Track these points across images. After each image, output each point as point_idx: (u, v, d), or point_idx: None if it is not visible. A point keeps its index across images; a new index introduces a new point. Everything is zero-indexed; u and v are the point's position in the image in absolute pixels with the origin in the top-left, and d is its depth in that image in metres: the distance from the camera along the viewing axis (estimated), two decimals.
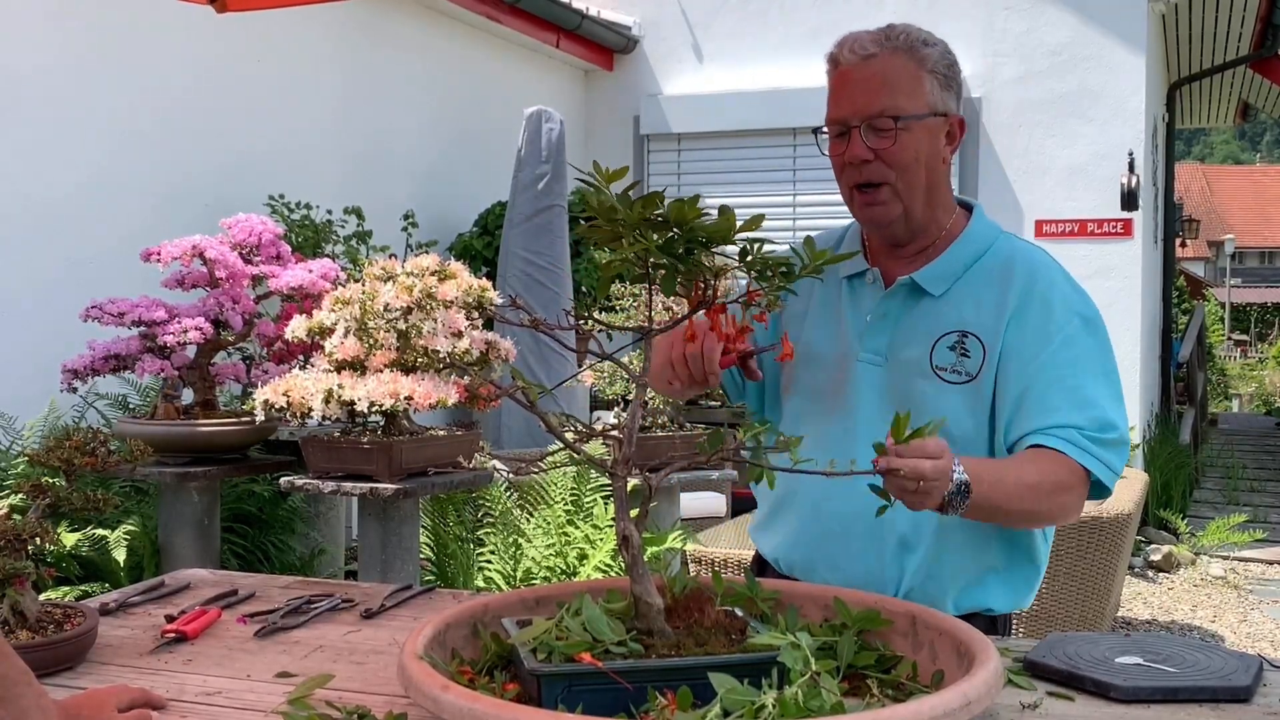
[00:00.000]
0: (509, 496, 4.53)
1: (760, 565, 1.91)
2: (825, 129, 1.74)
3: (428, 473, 3.16)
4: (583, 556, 4.25)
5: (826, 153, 1.74)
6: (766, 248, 1.29)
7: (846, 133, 1.69)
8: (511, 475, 4.43)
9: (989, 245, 1.77)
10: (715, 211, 1.24)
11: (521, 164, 5.85)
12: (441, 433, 3.25)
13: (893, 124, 1.66)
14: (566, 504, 4.50)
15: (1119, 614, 5.50)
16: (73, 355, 3.40)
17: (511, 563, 4.30)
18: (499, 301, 3.05)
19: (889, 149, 1.67)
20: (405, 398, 2.87)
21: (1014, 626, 1.85)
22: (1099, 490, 1.66)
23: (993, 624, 1.75)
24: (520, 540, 4.36)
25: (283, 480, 3.21)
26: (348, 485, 3.05)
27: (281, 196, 5.19)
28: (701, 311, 1.39)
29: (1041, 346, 1.66)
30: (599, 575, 4.09)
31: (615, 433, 1.35)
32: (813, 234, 1.47)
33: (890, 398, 1.71)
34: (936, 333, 1.71)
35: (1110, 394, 1.69)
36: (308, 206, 5.26)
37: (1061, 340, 1.67)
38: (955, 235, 1.78)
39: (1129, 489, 4.66)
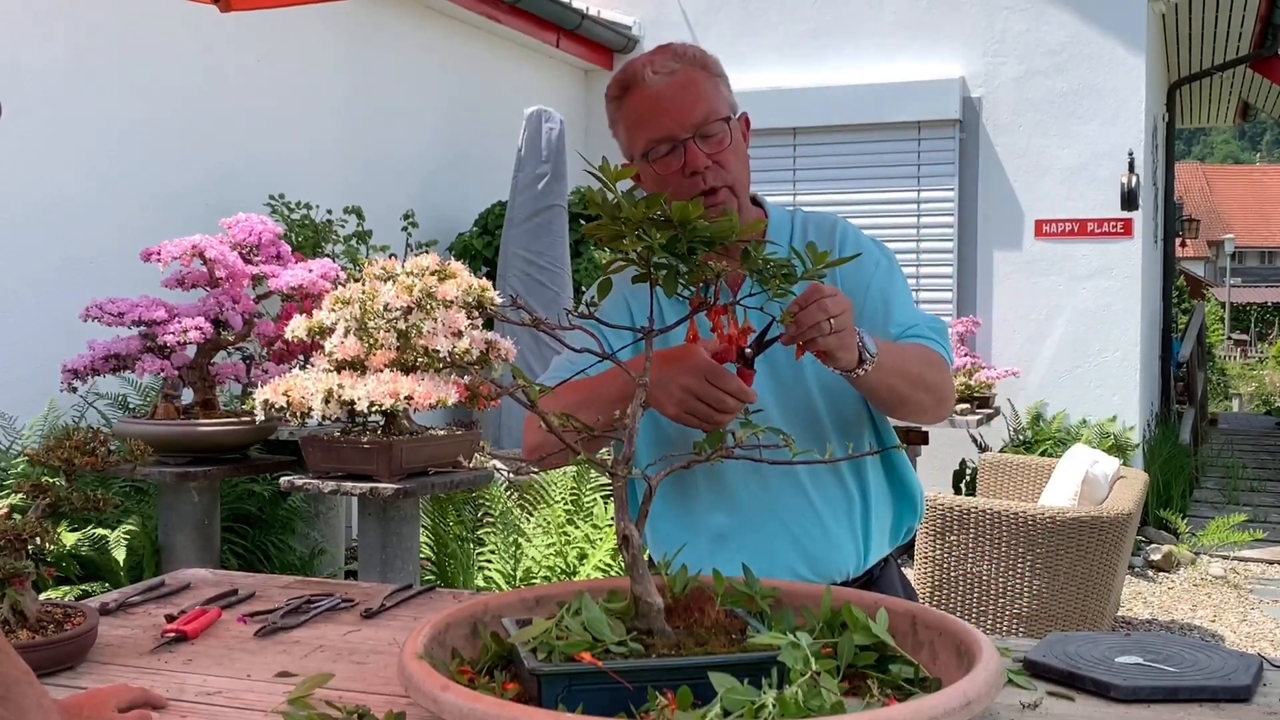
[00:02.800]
0: (509, 496, 4.53)
1: None
2: (647, 154, 1.75)
3: (428, 472, 3.16)
4: (583, 556, 4.26)
5: (658, 173, 1.76)
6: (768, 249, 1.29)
7: (677, 148, 1.73)
8: (511, 475, 4.43)
9: (791, 220, 1.88)
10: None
11: (521, 164, 5.85)
12: (441, 433, 3.25)
13: (723, 126, 1.74)
14: (566, 504, 4.51)
15: (1119, 614, 5.50)
16: (72, 355, 3.40)
17: (511, 562, 4.30)
18: (499, 301, 3.05)
19: (723, 151, 1.74)
20: (405, 397, 2.87)
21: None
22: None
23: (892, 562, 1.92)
24: (520, 540, 4.36)
25: (283, 480, 3.21)
26: (348, 485, 3.05)
27: (281, 196, 5.19)
28: (703, 312, 1.39)
29: (868, 280, 1.81)
30: (599, 575, 4.09)
31: (615, 433, 1.35)
32: None
33: (778, 382, 1.78)
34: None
35: (915, 304, 1.88)
36: (308, 206, 5.26)
37: (879, 272, 1.83)
38: (764, 227, 1.85)
39: (1129, 488, 4.66)
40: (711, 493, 1.81)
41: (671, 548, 1.85)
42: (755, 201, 1.90)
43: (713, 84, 1.77)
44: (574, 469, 4.59)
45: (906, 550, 6.45)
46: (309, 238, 5.11)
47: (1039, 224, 7.42)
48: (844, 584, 1.77)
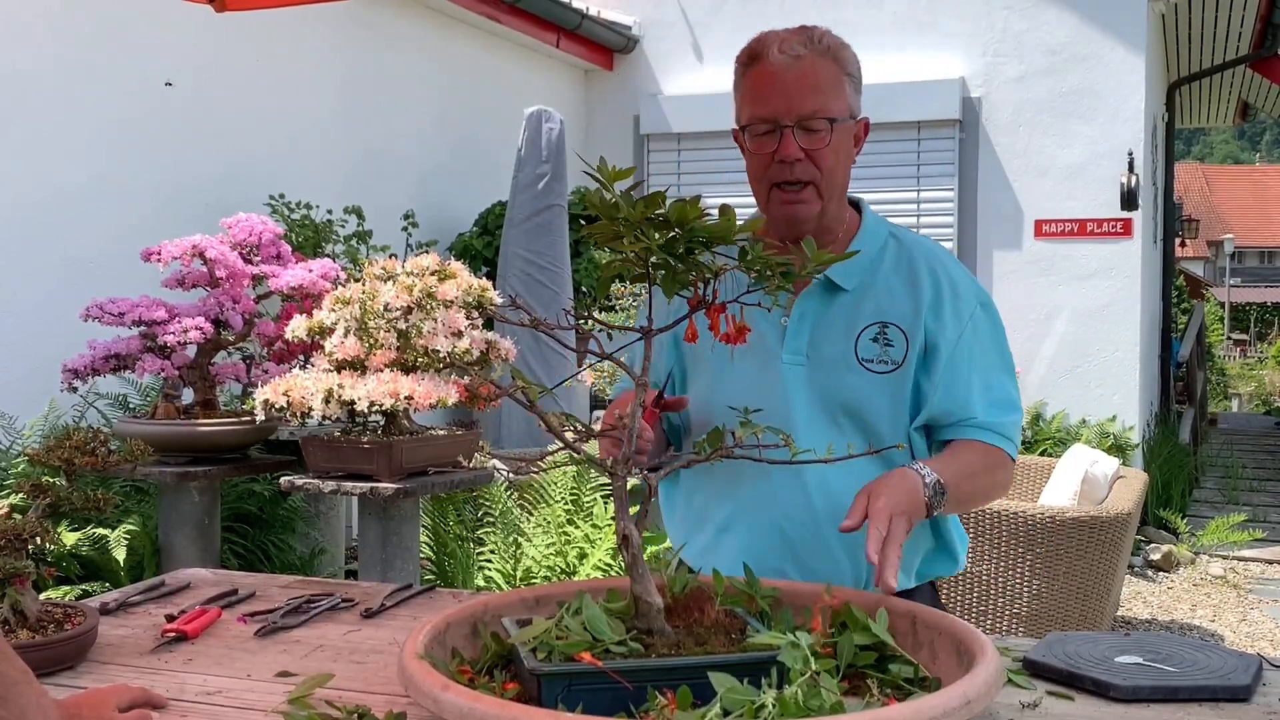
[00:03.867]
0: (509, 496, 4.53)
1: None
2: (748, 129, 1.75)
3: (428, 472, 3.16)
4: (583, 556, 4.26)
5: (751, 150, 1.76)
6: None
7: (775, 131, 1.71)
8: (511, 475, 4.43)
9: (885, 236, 1.84)
10: (716, 211, 1.24)
11: (521, 164, 5.85)
12: (441, 433, 3.25)
13: (827, 125, 1.70)
14: (566, 504, 4.51)
15: (1119, 613, 5.50)
16: (73, 355, 3.40)
17: (511, 562, 4.30)
18: (499, 301, 3.05)
19: (820, 150, 1.71)
20: (405, 397, 2.87)
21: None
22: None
23: (935, 589, 1.90)
24: (520, 540, 4.36)
25: (283, 480, 3.21)
26: (348, 485, 3.05)
27: (282, 196, 5.19)
28: (702, 311, 1.39)
29: (957, 333, 1.77)
30: (599, 575, 4.09)
31: (615, 432, 1.35)
32: None
33: (818, 395, 1.75)
34: (857, 326, 1.75)
35: (1009, 373, 1.84)
36: (308, 206, 5.26)
37: (971, 328, 1.78)
38: (854, 231, 1.83)
39: (1128, 488, 4.66)
40: (719, 482, 1.79)
41: (684, 534, 1.89)
42: (854, 205, 1.87)
43: (837, 80, 1.73)
44: (574, 469, 4.59)
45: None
46: (309, 238, 5.11)
47: (1039, 224, 7.42)
48: None
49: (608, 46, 8.03)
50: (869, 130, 1.81)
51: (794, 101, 1.69)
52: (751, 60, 1.76)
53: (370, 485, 3.01)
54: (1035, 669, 1.40)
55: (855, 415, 1.74)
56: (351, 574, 4.14)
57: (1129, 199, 7.10)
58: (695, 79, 7.90)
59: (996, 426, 1.76)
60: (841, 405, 1.75)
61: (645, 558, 1.31)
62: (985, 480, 1.74)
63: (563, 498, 4.53)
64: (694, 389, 1.85)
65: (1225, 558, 6.78)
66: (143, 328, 3.36)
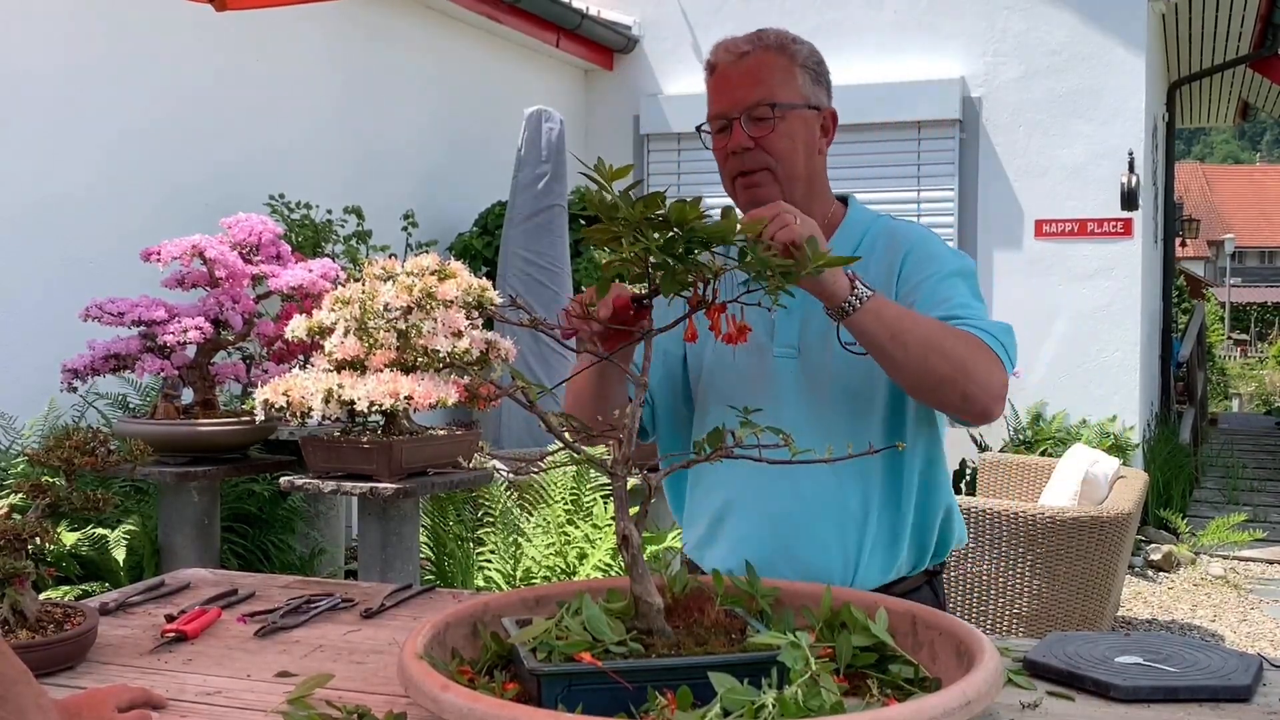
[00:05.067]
0: (509, 496, 4.53)
1: None
2: (708, 127, 1.82)
3: (428, 472, 3.16)
4: (583, 556, 4.26)
5: (713, 148, 1.82)
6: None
7: (728, 126, 1.78)
8: (511, 475, 4.43)
9: (869, 226, 1.85)
10: (717, 212, 1.24)
11: (521, 164, 5.85)
12: (441, 433, 3.25)
13: (770, 111, 1.75)
14: (566, 504, 4.50)
15: (1119, 613, 5.50)
16: (73, 355, 3.40)
17: (511, 562, 4.30)
18: (499, 301, 3.05)
19: (768, 136, 1.75)
20: (405, 397, 2.87)
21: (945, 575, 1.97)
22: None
23: (931, 577, 1.89)
24: (520, 540, 4.36)
25: (283, 480, 3.21)
26: (348, 485, 3.05)
27: (281, 196, 5.19)
28: (702, 311, 1.38)
29: (924, 276, 1.73)
30: (599, 575, 4.09)
31: (613, 432, 1.35)
32: None
33: (810, 385, 1.76)
34: None
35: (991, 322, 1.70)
36: (308, 206, 5.26)
37: (939, 275, 1.73)
38: (837, 224, 1.85)
39: (1129, 488, 4.66)
40: (715, 474, 1.77)
41: (686, 526, 1.91)
42: (842, 200, 1.89)
43: (785, 70, 1.78)
44: (574, 469, 4.59)
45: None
46: (309, 238, 5.11)
47: (1039, 224, 7.42)
48: None
49: (608, 46, 8.03)
50: (837, 121, 1.84)
51: (739, 94, 1.77)
52: (708, 69, 1.85)
53: (370, 485, 3.01)
54: (1035, 669, 1.40)
55: (849, 401, 1.75)
56: (351, 574, 4.14)
57: (1129, 199, 7.10)
58: (695, 79, 7.86)
59: (965, 315, 1.67)
60: (835, 393, 1.76)
61: (645, 558, 1.31)
62: (935, 330, 1.60)
63: (563, 498, 4.52)
64: (704, 370, 1.88)
65: (1226, 558, 6.78)
66: (142, 328, 3.36)
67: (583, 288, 6.34)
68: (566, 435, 1.34)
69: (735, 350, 1.73)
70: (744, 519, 1.80)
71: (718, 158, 1.81)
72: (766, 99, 1.75)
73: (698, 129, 1.84)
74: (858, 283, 1.54)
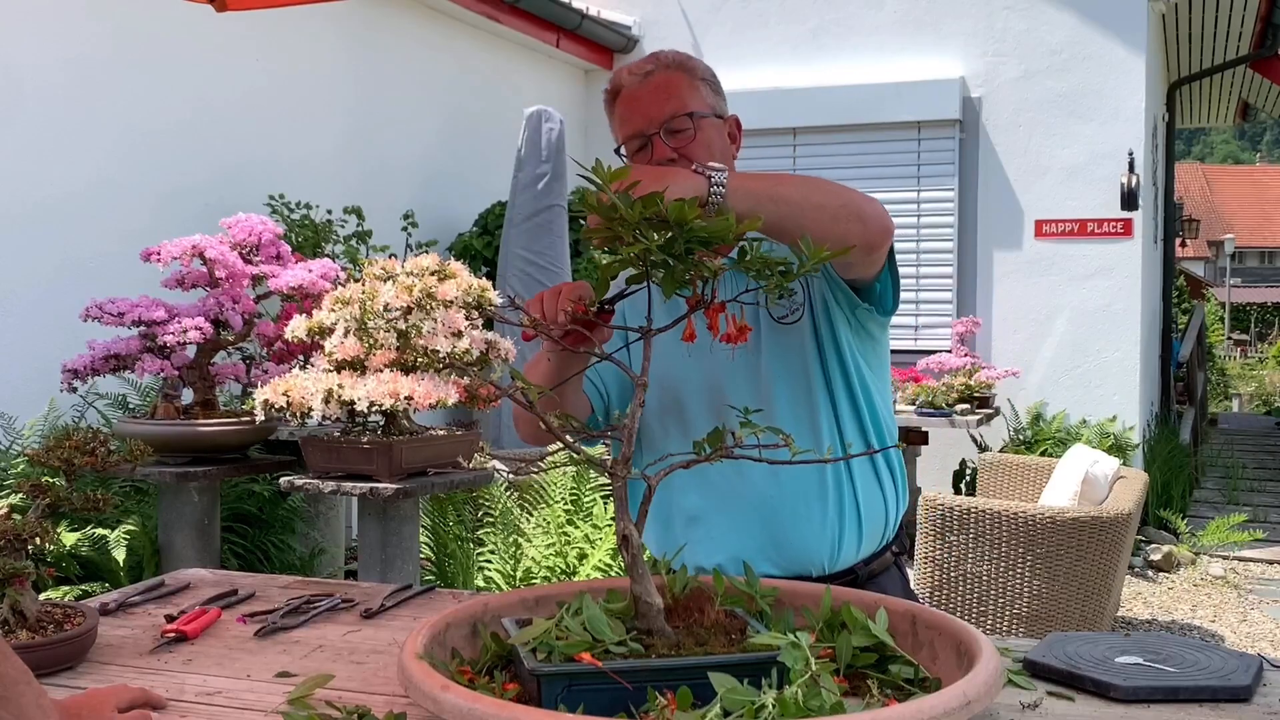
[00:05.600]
0: (509, 496, 4.53)
1: None
2: (623, 150, 1.84)
3: (428, 473, 3.16)
4: (583, 556, 4.26)
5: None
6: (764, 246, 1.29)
7: (646, 144, 1.81)
8: (511, 475, 4.43)
9: None
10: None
11: (521, 164, 5.85)
12: (441, 433, 3.25)
13: (689, 121, 1.80)
14: (566, 504, 4.51)
15: (1119, 614, 5.50)
16: (73, 355, 3.40)
17: (511, 562, 4.30)
18: (499, 301, 3.05)
19: (689, 145, 1.79)
20: (405, 398, 2.87)
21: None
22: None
23: (896, 556, 1.91)
24: (520, 540, 4.36)
25: (283, 480, 3.21)
26: (348, 485, 3.05)
27: (281, 196, 5.19)
28: (701, 310, 1.38)
29: None
30: (599, 575, 4.09)
31: (615, 432, 1.35)
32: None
33: (756, 367, 1.80)
34: (761, 294, 1.76)
35: None
36: (308, 206, 5.26)
37: None
38: (760, 222, 1.85)
39: (1129, 488, 4.66)
40: (686, 474, 1.80)
41: (647, 531, 1.88)
42: None
43: (690, 85, 1.83)
44: (574, 469, 4.59)
45: (907, 551, 6.47)
46: (309, 238, 5.11)
47: (1039, 224, 7.42)
48: (821, 578, 1.77)
49: (608, 46, 8.03)
50: (741, 127, 1.90)
51: (652, 110, 1.81)
52: (613, 94, 1.87)
53: (370, 485, 3.01)
54: (1035, 669, 1.40)
55: (797, 375, 1.80)
56: (351, 574, 4.14)
57: (1129, 199, 7.10)
58: None
59: None
60: (785, 370, 1.80)
61: (645, 558, 1.31)
62: (798, 178, 1.64)
63: (563, 498, 4.52)
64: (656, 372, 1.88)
65: (1225, 558, 6.78)
66: (142, 328, 3.36)
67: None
68: (567, 435, 1.34)
69: (686, 348, 1.75)
70: (725, 514, 1.81)
71: None
72: (681, 110, 1.80)
73: (616, 152, 1.85)
74: (708, 172, 1.53)
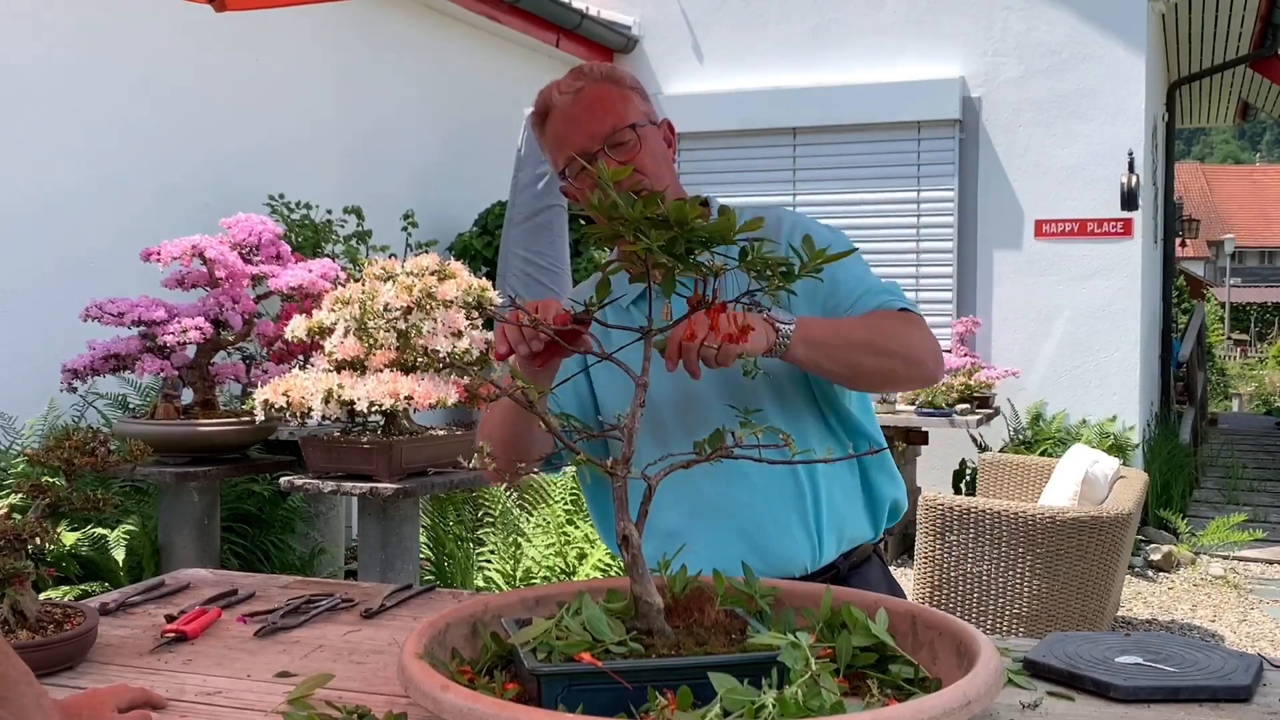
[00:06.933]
0: (509, 496, 4.53)
1: None
2: (567, 172, 1.80)
3: (427, 473, 3.16)
4: (583, 556, 4.26)
5: (578, 189, 1.79)
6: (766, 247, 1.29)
7: (591, 161, 1.75)
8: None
9: (740, 215, 1.86)
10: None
11: (521, 164, 5.84)
12: (441, 433, 3.25)
13: (632, 132, 1.76)
14: (566, 504, 4.51)
15: (1119, 613, 5.50)
16: (72, 355, 3.40)
17: (511, 562, 4.30)
18: (499, 301, 3.05)
19: (637, 155, 1.75)
20: (405, 398, 2.87)
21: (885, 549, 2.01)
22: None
23: (876, 552, 1.90)
24: (520, 540, 4.36)
25: (283, 480, 3.21)
26: (348, 485, 3.05)
27: (281, 196, 5.19)
28: (702, 310, 1.39)
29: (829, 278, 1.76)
30: (599, 575, 4.09)
31: (615, 432, 1.35)
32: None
33: (725, 379, 1.76)
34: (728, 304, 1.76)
35: (865, 271, 1.80)
36: (307, 206, 5.26)
37: (838, 274, 1.76)
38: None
39: (1129, 488, 4.66)
40: (664, 490, 1.79)
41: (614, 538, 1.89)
42: (703, 202, 1.89)
43: (621, 96, 1.80)
44: (574, 469, 4.59)
45: (906, 550, 6.46)
46: (309, 238, 5.11)
47: (1039, 224, 7.42)
48: (804, 578, 1.77)
49: (608, 46, 8.03)
50: (674, 129, 1.87)
51: (592, 127, 1.76)
52: (542, 116, 1.83)
53: (370, 485, 3.01)
54: (1035, 669, 1.40)
55: (764, 388, 1.77)
56: (351, 574, 4.14)
57: (1129, 199, 7.10)
58: (695, 79, 7.90)
59: (870, 297, 1.74)
60: (747, 383, 1.75)
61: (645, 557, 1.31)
62: (865, 331, 1.67)
63: (563, 498, 4.53)
64: (605, 395, 1.87)
65: (1225, 558, 6.78)
66: (142, 328, 3.36)
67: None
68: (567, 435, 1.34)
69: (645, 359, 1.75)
70: (708, 527, 1.79)
71: (584, 198, 1.75)
72: (622, 123, 1.76)
73: (561, 174, 1.81)
74: (777, 322, 1.56)
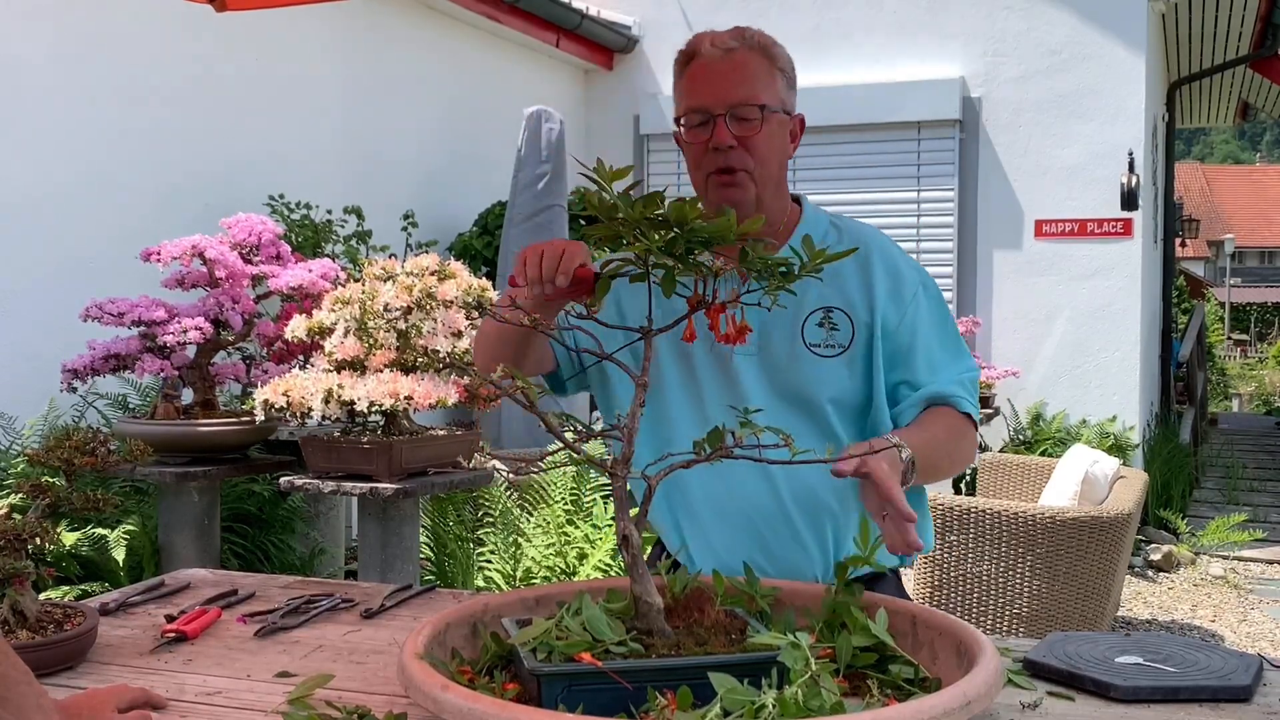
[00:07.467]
0: (509, 496, 4.53)
1: None
2: (683, 121, 1.80)
3: (428, 473, 3.16)
4: (582, 556, 4.26)
5: (687, 140, 1.80)
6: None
7: (709, 121, 1.75)
8: (511, 475, 4.43)
9: (826, 226, 1.87)
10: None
11: (521, 164, 5.85)
12: (441, 433, 3.25)
13: (758, 112, 1.75)
14: (566, 504, 4.51)
15: (1119, 614, 5.50)
16: (72, 355, 3.40)
17: (511, 563, 4.30)
18: (498, 302, 3.04)
19: (753, 137, 1.75)
20: (405, 397, 2.87)
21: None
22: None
23: (896, 574, 1.90)
24: (520, 540, 4.36)
25: (283, 480, 3.21)
26: (348, 485, 3.05)
27: (281, 196, 5.19)
28: (702, 311, 1.38)
29: (901, 316, 1.80)
30: (599, 575, 4.09)
31: (615, 432, 1.35)
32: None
33: (774, 382, 1.77)
34: (802, 313, 1.77)
35: (956, 343, 1.86)
36: (307, 206, 5.26)
37: (914, 308, 1.81)
38: (795, 224, 1.86)
39: (1129, 488, 4.66)
40: (676, 481, 1.74)
41: (660, 526, 1.88)
42: (795, 200, 1.90)
43: (768, 73, 1.78)
44: (574, 469, 4.59)
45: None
46: (309, 238, 5.11)
47: (1039, 224, 7.42)
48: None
49: (607, 46, 8.03)
50: (805, 128, 1.86)
51: (725, 91, 1.75)
52: (687, 59, 1.82)
53: (370, 485, 3.01)
54: (1035, 669, 1.40)
55: (809, 401, 1.77)
56: (351, 574, 4.14)
57: (1129, 199, 7.10)
58: None
59: (949, 392, 1.77)
60: (795, 392, 1.77)
61: (645, 558, 1.31)
62: (950, 448, 1.75)
63: (563, 498, 4.52)
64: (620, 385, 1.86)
65: (1225, 558, 6.78)
66: (142, 328, 3.36)
67: None
68: (566, 435, 1.34)
69: (695, 348, 1.76)
70: (721, 524, 1.78)
71: (694, 151, 1.78)
72: (753, 99, 1.74)
73: (678, 121, 1.81)
74: (901, 452, 1.59)
